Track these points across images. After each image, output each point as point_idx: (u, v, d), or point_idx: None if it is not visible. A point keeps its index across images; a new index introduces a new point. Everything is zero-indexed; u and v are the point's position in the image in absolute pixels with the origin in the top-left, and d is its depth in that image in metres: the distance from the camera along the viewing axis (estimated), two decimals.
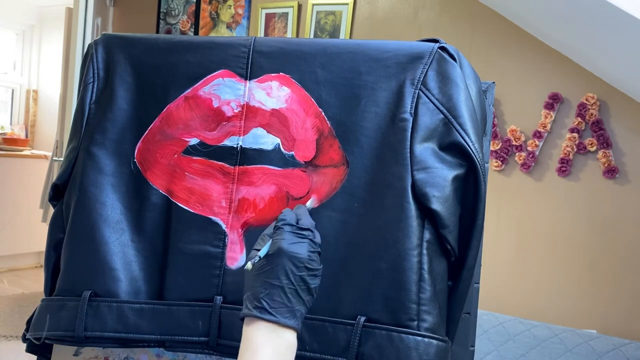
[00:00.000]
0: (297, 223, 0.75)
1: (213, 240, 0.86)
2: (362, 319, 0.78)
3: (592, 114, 2.39)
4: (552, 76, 2.50)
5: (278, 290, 0.70)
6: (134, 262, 0.88)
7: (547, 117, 2.48)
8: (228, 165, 0.88)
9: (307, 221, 0.76)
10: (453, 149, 0.82)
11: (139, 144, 0.92)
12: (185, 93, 0.91)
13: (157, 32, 3.72)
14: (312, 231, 0.75)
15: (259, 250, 0.75)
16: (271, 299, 0.70)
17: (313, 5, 3.12)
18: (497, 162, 2.60)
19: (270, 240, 0.74)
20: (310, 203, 0.83)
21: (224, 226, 0.87)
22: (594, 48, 2.25)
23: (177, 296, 0.86)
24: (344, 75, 0.87)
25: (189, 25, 3.61)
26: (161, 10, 3.72)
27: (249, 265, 0.73)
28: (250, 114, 0.89)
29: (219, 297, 0.84)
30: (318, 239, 0.75)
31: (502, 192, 2.60)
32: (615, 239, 2.37)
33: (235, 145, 0.88)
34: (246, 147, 0.88)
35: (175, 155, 0.90)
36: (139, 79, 0.94)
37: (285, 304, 0.70)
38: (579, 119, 2.42)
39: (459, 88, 0.83)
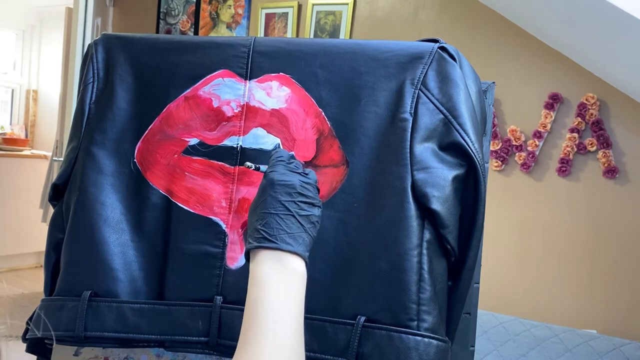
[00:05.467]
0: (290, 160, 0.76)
1: (213, 240, 0.86)
2: (362, 318, 0.78)
3: (592, 114, 2.39)
4: (552, 76, 2.50)
5: (274, 218, 0.69)
6: (134, 262, 0.88)
7: (547, 117, 2.48)
8: (228, 166, 0.88)
9: (299, 164, 0.76)
10: (453, 149, 0.82)
11: (138, 144, 0.91)
12: (185, 93, 0.91)
13: (157, 32, 3.72)
14: (302, 166, 0.75)
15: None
16: (269, 227, 0.69)
17: (313, 5, 3.12)
18: (497, 162, 2.60)
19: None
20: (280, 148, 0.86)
21: (224, 226, 0.87)
22: (594, 48, 2.25)
23: (177, 296, 0.86)
24: (344, 75, 0.87)
25: (189, 25, 3.61)
26: (161, 10, 3.72)
27: (248, 164, 0.79)
28: (250, 114, 0.89)
29: (219, 297, 0.84)
30: (313, 178, 0.75)
31: (502, 192, 2.60)
32: (615, 239, 2.37)
33: (235, 145, 0.88)
34: (246, 147, 0.88)
35: (175, 155, 0.90)
36: (139, 79, 0.93)
37: (285, 230, 0.69)
38: (579, 119, 2.42)
39: (458, 88, 0.83)
